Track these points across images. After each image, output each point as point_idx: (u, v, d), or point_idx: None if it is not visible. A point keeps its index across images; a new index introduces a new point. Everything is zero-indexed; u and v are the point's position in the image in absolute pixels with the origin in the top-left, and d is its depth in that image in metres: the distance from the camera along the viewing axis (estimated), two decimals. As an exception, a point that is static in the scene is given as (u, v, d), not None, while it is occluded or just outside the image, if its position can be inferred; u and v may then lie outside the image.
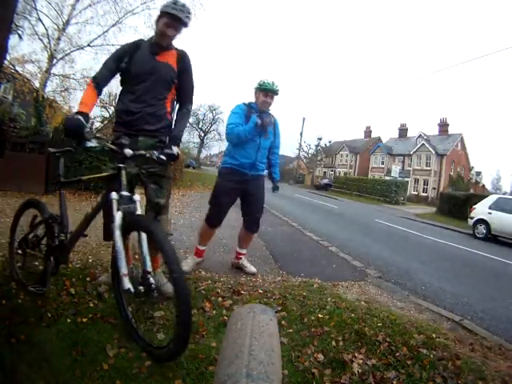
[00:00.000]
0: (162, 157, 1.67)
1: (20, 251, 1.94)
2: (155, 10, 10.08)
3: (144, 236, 1.43)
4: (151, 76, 1.90)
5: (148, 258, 1.41)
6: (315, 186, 30.08)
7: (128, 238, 1.90)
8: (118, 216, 1.45)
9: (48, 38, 9.23)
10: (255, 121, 2.55)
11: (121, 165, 1.56)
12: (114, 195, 1.50)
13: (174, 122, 2.06)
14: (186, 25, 1.89)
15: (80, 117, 1.55)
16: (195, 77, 2.07)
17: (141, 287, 1.35)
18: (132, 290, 1.34)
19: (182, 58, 2.00)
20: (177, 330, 1.33)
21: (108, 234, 1.83)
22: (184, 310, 1.30)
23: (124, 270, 1.36)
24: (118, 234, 1.42)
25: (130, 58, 1.87)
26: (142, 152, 1.64)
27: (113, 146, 1.60)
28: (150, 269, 1.39)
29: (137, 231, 1.46)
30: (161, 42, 1.91)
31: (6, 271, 2.04)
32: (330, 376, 1.49)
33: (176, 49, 2.01)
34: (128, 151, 1.57)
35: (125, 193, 1.51)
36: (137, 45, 1.93)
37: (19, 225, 2.07)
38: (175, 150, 1.76)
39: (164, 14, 1.83)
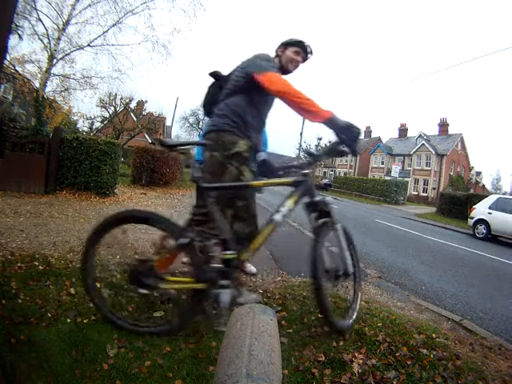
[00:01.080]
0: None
1: (144, 290, 1.49)
2: (155, 10, 10.11)
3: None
4: (272, 104, 1.98)
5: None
6: (315, 186, 30.01)
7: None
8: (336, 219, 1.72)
9: (48, 38, 9.23)
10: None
11: (308, 171, 1.73)
12: (329, 199, 1.73)
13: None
14: (306, 59, 2.00)
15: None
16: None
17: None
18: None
19: None
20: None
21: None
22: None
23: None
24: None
25: None
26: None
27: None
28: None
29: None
30: (290, 69, 1.97)
31: (5, 271, 2.04)
32: (329, 376, 1.49)
33: None
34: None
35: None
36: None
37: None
38: None
39: (292, 44, 1.93)
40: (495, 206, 9.09)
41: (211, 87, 2.03)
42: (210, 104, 1.98)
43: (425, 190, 29.90)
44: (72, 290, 1.91)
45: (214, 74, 2.01)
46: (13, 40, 8.26)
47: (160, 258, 1.53)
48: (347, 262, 1.73)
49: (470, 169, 33.35)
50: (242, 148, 1.76)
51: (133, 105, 19.65)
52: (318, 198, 1.68)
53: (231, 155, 1.74)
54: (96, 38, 9.86)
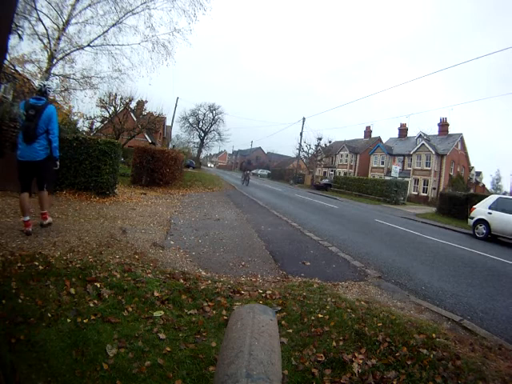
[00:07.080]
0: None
1: None
2: (155, 10, 10.11)
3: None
4: None
5: None
6: (315, 186, 30.09)
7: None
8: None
9: (48, 38, 9.23)
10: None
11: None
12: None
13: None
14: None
15: None
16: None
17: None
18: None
19: None
20: None
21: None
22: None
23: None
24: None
25: None
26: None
27: None
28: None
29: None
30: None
31: (5, 271, 2.04)
32: (329, 376, 1.49)
33: None
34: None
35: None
36: None
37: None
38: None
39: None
40: (495, 206, 9.09)
41: None
42: None
43: (425, 190, 29.89)
44: (72, 290, 1.91)
45: None
46: (13, 40, 8.28)
47: None
48: (248, 180, 17.93)
49: (470, 169, 33.34)
50: None
51: (133, 105, 19.66)
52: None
53: None
54: (96, 38, 9.88)
